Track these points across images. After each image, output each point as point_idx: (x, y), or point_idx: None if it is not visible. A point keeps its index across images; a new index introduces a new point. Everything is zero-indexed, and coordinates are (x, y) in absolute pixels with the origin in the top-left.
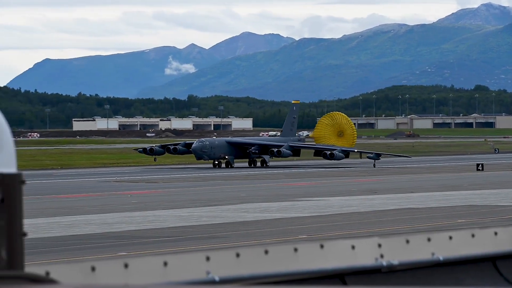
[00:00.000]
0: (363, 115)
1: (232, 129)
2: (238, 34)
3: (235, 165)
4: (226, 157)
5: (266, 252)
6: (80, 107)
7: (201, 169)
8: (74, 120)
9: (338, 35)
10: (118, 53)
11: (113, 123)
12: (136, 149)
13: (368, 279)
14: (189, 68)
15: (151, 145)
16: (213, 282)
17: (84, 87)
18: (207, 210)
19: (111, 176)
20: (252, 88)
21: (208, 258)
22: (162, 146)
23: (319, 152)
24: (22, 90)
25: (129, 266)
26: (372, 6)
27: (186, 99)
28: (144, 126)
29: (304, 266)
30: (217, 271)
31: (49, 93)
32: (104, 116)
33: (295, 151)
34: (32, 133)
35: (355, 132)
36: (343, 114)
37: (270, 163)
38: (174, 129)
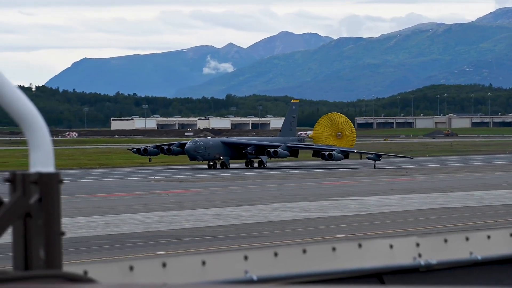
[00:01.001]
0: (401, 114)
1: (270, 128)
2: (276, 34)
3: (232, 166)
4: (221, 157)
5: (304, 251)
6: (118, 107)
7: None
8: (112, 119)
9: (376, 34)
10: (156, 53)
11: (151, 123)
12: (131, 149)
13: (406, 278)
14: (228, 67)
15: (145, 145)
16: (251, 281)
17: (122, 86)
18: (246, 209)
19: (150, 176)
20: (290, 87)
21: (246, 258)
22: (157, 147)
23: (318, 153)
24: (61, 90)
25: (167, 265)
26: (410, 5)
27: (224, 98)
28: (182, 126)
29: (342, 265)
30: (255, 271)
31: (87, 93)
32: (142, 115)
33: (293, 152)
34: (70, 133)
35: (355, 133)
36: (342, 115)
37: (268, 164)
38: (213, 129)
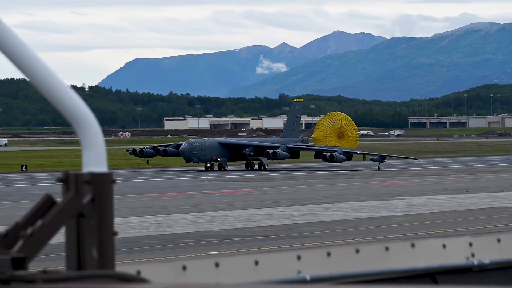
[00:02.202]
0: (454, 114)
1: None
2: (329, 33)
3: (230, 168)
4: (219, 159)
5: (357, 251)
6: (171, 106)
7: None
8: (166, 119)
9: (429, 34)
10: (209, 52)
11: (204, 122)
12: (127, 151)
13: (459, 278)
14: (281, 67)
15: (141, 146)
16: (304, 281)
17: (175, 86)
18: (299, 209)
19: (203, 175)
20: (343, 87)
21: (299, 257)
22: (153, 148)
23: (321, 154)
24: (114, 90)
25: (220, 265)
26: (463, 4)
27: (277, 98)
28: (235, 126)
29: (395, 265)
30: (308, 270)
31: (140, 92)
32: (195, 115)
33: (294, 153)
34: (124, 132)
35: (357, 133)
36: (344, 114)
37: (269, 166)
38: (265, 128)
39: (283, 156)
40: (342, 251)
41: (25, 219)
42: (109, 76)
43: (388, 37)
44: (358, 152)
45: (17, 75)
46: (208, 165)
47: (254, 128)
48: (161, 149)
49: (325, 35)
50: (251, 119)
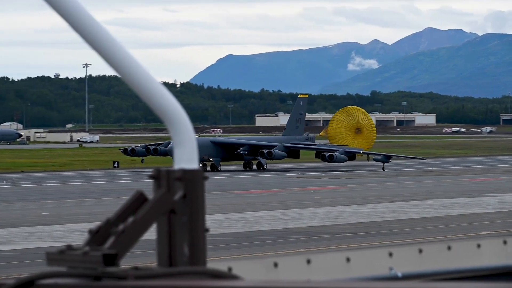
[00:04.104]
0: None
1: (415, 125)
2: (421, 30)
3: (227, 168)
4: (211, 159)
5: (449, 248)
6: (263, 103)
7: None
8: (257, 116)
9: None
10: (300, 49)
11: None
12: (120, 149)
13: None
14: (372, 63)
15: (133, 145)
16: (395, 278)
17: (267, 83)
18: (390, 206)
19: (294, 172)
20: (435, 83)
21: (390, 254)
22: (145, 147)
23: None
24: (205, 86)
25: (312, 262)
26: None
27: (369, 95)
28: (327, 122)
29: (487, 262)
30: (399, 267)
31: (232, 89)
32: (287, 112)
33: (292, 152)
34: (215, 129)
35: (374, 129)
36: (361, 109)
37: (268, 166)
38: None
39: (279, 156)
40: (434, 248)
41: (116, 216)
42: (200, 72)
43: (480, 34)
44: (361, 152)
45: (109, 72)
46: (200, 165)
47: None
48: (152, 148)
49: (417, 32)
50: None
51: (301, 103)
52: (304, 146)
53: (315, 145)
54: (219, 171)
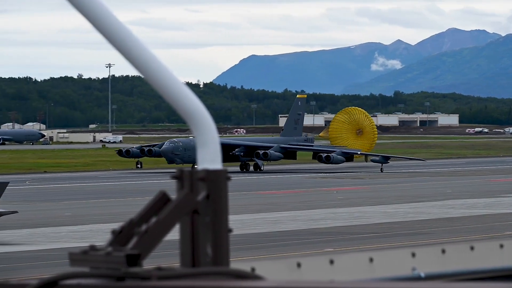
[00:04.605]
0: None
1: (438, 125)
2: (444, 30)
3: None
4: None
5: (472, 248)
6: (286, 103)
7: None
8: (280, 116)
9: None
10: (323, 49)
11: (319, 119)
12: (116, 151)
13: None
14: (395, 64)
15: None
16: (418, 278)
17: (290, 83)
18: (413, 206)
19: (317, 172)
20: (458, 84)
21: (413, 255)
22: (139, 148)
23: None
24: (228, 86)
25: (335, 262)
26: None
27: (392, 95)
28: None
29: (510, 262)
30: (422, 267)
31: (255, 89)
32: (310, 112)
33: (289, 154)
34: (238, 129)
35: (375, 130)
36: (362, 110)
37: (265, 167)
38: (380, 125)
39: (275, 157)
40: (457, 248)
41: (139, 216)
42: (223, 73)
43: (503, 34)
44: (359, 153)
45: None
46: (196, 166)
47: None
48: (146, 149)
49: (440, 32)
50: None
51: (299, 104)
52: (300, 147)
53: (312, 146)
54: None
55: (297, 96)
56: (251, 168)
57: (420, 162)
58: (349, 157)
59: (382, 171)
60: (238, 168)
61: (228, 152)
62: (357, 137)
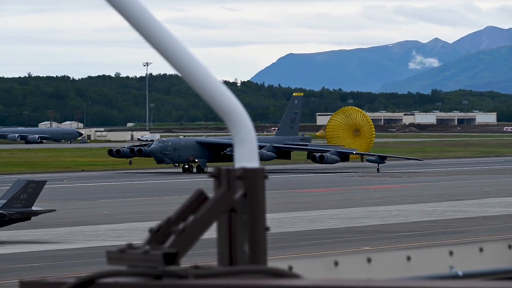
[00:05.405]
0: None
1: (476, 123)
2: (481, 28)
3: (209, 169)
4: (196, 160)
5: (510, 246)
6: (323, 102)
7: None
8: (318, 115)
9: None
10: (361, 48)
11: None
12: (108, 151)
13: None
14: (433, 62)
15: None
16: (456, 277)
17: (328, 81)
18: (451, 205)
19: (355, 171)
20: (496, 82)
21: (451, 253)
22: (130, 148)
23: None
24: (266, 85)
25: (372, 261)
26: None
27: (430, 94)
28: (388, 121)
29: None
30: (460, 266)
31: (292, 88)
32: None
33: (283, 153)
34: (276, 128)
35: (373, 130)
36: (358, 109)
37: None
38: (418, 124)
39: (268, 156)
40: (495, 247)
41: (177, 214)
42: (261, 71)
43: None
44: (354, 152)
45: (169, 70)
46: (186, 166)
47: (407, 124)
48: (136, 149)
49: (477, 30)
50: (404, 114)
51: (296, 102)
52: (294, 147)
53: (306, 145)
54: (206, 172)
55: (293, 94)
56: None
57: (418, 162)
58: (344, 157)
59: (378, 171)
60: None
61: (219, 151)
62: (355, 137)
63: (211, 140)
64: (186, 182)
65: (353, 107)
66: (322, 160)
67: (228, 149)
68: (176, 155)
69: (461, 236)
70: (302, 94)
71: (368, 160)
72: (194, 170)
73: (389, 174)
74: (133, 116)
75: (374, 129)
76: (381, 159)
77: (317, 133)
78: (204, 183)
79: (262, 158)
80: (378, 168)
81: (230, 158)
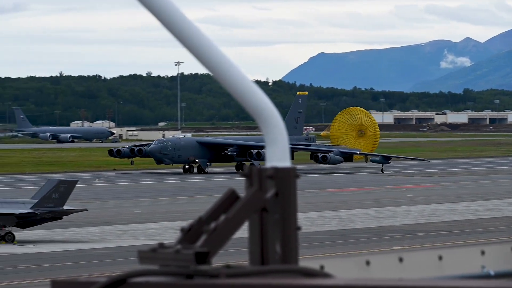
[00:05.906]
0: None
1: (508, 123)
2: None
3: (217, 170)
4: (197, 160)
5: None
6: (355, 101)
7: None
8: None
9: None
10: (392, 47)
11: (388, 117)
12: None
13: None
14: (465, 61)
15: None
16: (488, 276)
17: (359, 81)
18: (483, 204)
19: (386, 170)
20: None
21: (483, 253)
22: (130, 148)
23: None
24: (297, 84)
25: (404, 260)
26: None
27: (462, 93)
28: (419, 120)
29: None
30: (492, 266)
31: (324, 87)
32: (379, 110)
33: None
34: (307, 127)
35: (378, 131)
36: (363, 109)
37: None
38: (450, 123)
39: None
40: None
41: (208, 214)
42: (292, 70)
43: None
44: (358, 153)
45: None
46: (187, 167)
47: (439, 123)
48: (136, 149)
49: (509, 29)
50: (435, 113)
51: (300, 101)
52: (296, 147)
53: (309, 145)
54: (206, 173)
55: (298, 93)
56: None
57: (422, 162)
58: (348, 157)
59: (382, 172)
60: (233, 169)
61: (220, 151)
62: (359, 138)
63: (212, 140)
64: (216, 181)
65: (358, 107)
66: (324, 160)
67: (228, 149)
68: (176, 155)
69: (493, 235)
70: (306, 93)
71: (372, 161)
72: (195, 170)
73: (420, 173)
74: (165, 116)
75: (379, 130)
76: (386, 160)
77: (321, 133)
78: (229, 182)
79: (263, 159)
80: (382, 169)
81: (230, 158)
